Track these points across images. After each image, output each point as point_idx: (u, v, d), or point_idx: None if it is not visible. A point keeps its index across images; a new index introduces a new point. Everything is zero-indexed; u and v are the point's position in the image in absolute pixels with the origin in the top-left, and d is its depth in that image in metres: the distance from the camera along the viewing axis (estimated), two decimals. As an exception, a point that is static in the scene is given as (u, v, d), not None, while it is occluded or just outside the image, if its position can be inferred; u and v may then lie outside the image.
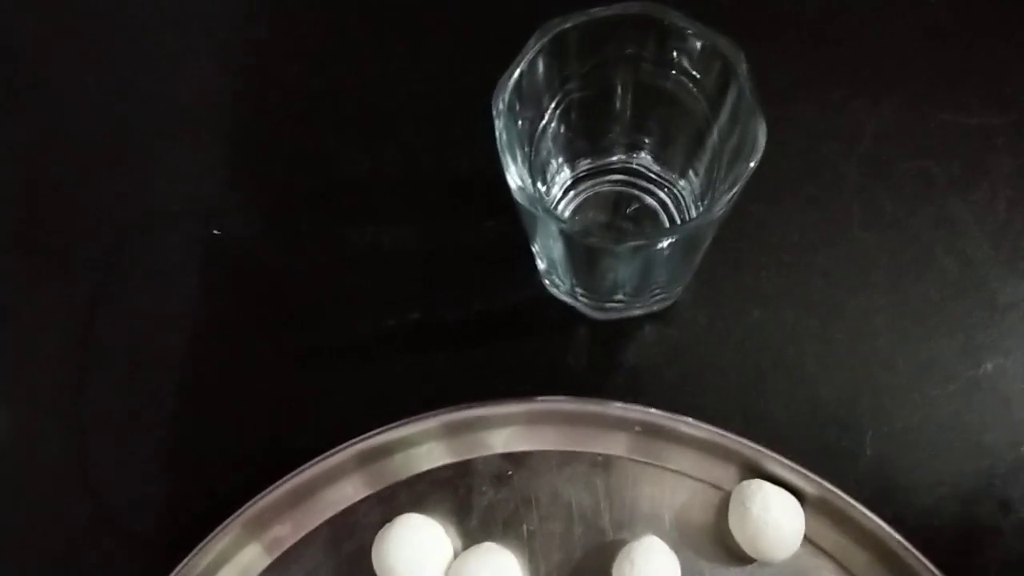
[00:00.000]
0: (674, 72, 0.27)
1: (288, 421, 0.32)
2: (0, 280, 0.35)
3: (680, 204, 0.31)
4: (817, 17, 0.36)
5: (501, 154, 0.24)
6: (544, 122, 0.28)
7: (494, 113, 0.24)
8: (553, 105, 0.28)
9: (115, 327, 0.34)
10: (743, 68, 0.24)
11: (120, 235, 0.35)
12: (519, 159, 0.25)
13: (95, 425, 0.33)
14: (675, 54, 0.27)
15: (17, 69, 0.39)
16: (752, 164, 0.24)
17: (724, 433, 0.28)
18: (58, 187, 0.36)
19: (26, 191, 0.36)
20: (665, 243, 0.24)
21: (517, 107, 0.25)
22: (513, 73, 0.24)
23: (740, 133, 0.25)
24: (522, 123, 0.26)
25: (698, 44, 0.25)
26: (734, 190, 0.23)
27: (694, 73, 0.27)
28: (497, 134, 0.24)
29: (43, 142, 0.37)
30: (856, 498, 0.27)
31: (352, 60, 0.37)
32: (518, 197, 0.24)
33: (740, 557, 0.28)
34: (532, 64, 0.25)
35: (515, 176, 0.24)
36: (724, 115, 0.26)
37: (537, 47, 0.24)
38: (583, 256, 0.26)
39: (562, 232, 0.24)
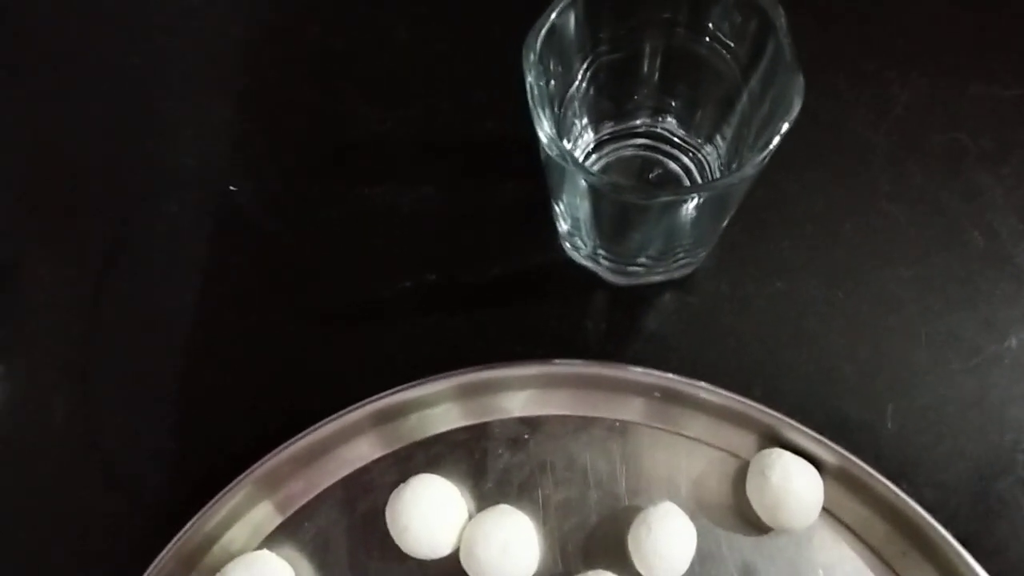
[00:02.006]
0: (708, 39, 0.27)
1: (303, 381, 0.32)
2: (11, 239, 0.35)
3: (704, 170, 0.31)
4: (850, -14, 0.36)
5: (532, 107, 0.23)
6: (575, 84, 0.28)
7: (525, 66, 0.24)
8: (584, 67, 0.28)
9: (128, 286, 0.34)
10: (782, 22, 0.23)
11: (134, 194, 0.35)
12: (548, 114, 0.24)
13: (106, 383, 0.32)
14: (711, 21, 0.26)
15: (32, 27, 0.38)
16: (786, 124, 0.23)
17: (744, 400, 0.28)
18: (71, 145, 0.36)
19: (39, 149, 0.36)
20: (693, 202, 0.24)
21: (548, 63, 0.25)
22: (545, 24, 0.24)
23: (773, 96, 0.25)
24: (553, 82, 0.26)
25: (735, 3, 0.25)
26: (769, 148, 0.23)
27: (728, 41, 0.26)
28: (528, 87, 0.24)
29: (57, 100, 0.37)
30: (876, 470, 0.27)
31: (374, 20, 0.37)
32: (548, 150, 0.23)
33: (757, 526, 0.28)
34: (564, 17, 0.25)
35: (546, 128, 0.23)
36: (756, 80, 0.26)
37: (569, -2, 0.24)
38: (610, 214, 0.26)
39: (591, 187, 0.24)
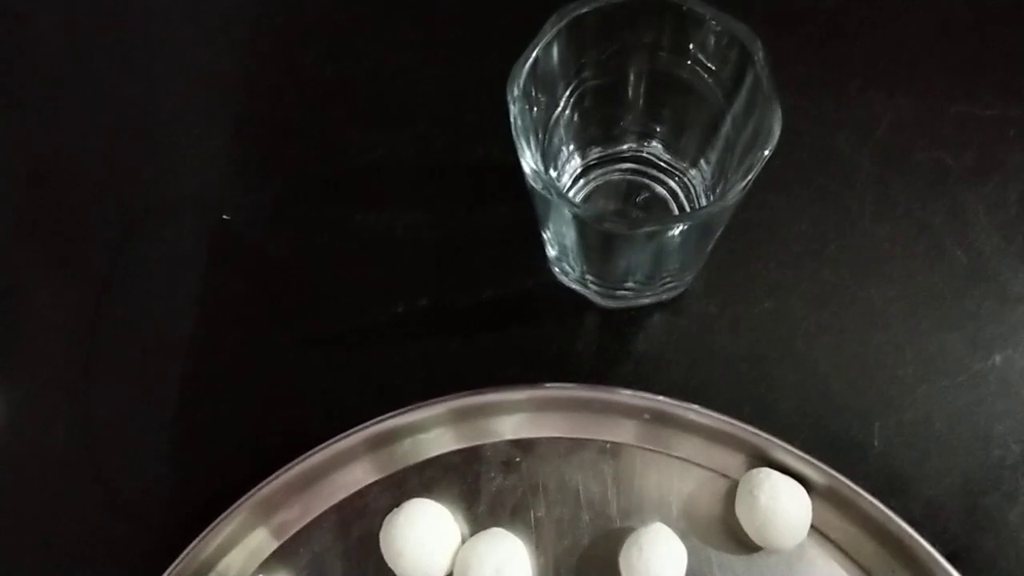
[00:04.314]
0: (690, 62, 0.27)
1: (297, 406, 0.32)
2: (10, 264, 0.35)
3: (690, 193, 0.31)
4: (834, 7, 0.36)
5: (516, 139, 0.24)
6: (559, 110, 0.28)
7: (509, 98, 0.24)
8: (568, 92, 0.28)
9: (124, 311, 0.34)
10: (760, 55, 0.24)
11: (131, 220, 0.35)
12: (533, 145, 0.24)
13: (103, 409, 0.33)
14: (692, 45, 0.26)
15: (31, 54, 0.39)
16: (767, 152, 0.23)
17: (732, 421, 0.28)
18: (69, 171, 0.36)
19: (37, 175, 0.36)
20: (678, 229, 0.24)
21: (532, 92, 0.25)
22: (529, 57, 0.24)
23: (755, 122, 0.25)
24: (537, 110, 0.26)
25: (715, 32, 0.25)
26: (748, 177, 0.23)
27: (710, 65, 0.27)
28: (512, 119, 0.24)
29: (56, 127, 0.37)
30: (864, 488, 0.27)
31: (367, 47, 0.37)
32: (532, 182, 0.24)
33: (747, 545, 0.29)
34: (548, 49, 0.25)
35: (529, 160, 0.24)
36: (739, 105, 0.26)
37: (554, 31, 0.24)
38: (596, 242, 0.26)
39: (576, 217, 0.24)
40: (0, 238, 0.36)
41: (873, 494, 0.27)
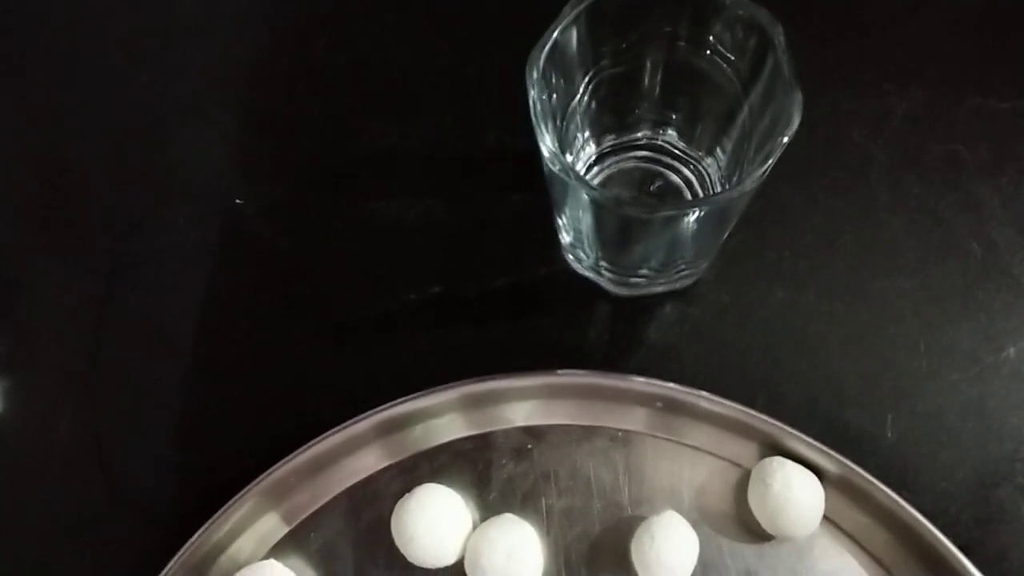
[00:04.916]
0: (709, 52, 0.27)
1: (308, 394, 0.32)
2: (19, 254, 0.35)
3: (705, 182, 0.31)
4: (849, 0, 0.36)
5: (535, 122, 0.24)
6: (577, 97, 0.28)
7: (528, 82, 0.24)
8: (587, 80, 0.28)
9: (134, 299, 0.34)
10: (780, 40, 0.24)
11: (141, 208, 0.35)
12: (551, 129, 0.24)
13: (110, 398, 0.33)
14: (711, 36, 0.26)
15: (41, 44, 0.39)
16: (786, 138, 0.23)
17: (745, 410, 0.28)
18: (79, 161, 0.36)
19: (46, 165, 0.36)
20: (695, 215, 0.24)
21: (552, 78, 0.25)
22: (548, 41, 0.24)
23: (773, 110, 0.25)
24: (556, 96, 0.26)
25: (735, 18, 0.25)
26: (768, 163, 0.23)
27: (729, 55, 0.27)
28: (531, 102, 0.24)
29: (66, 116, 0.37)
30: (877, 478, 0.27)
31: (379, 36, 0.37)
32: (551, 165, 0.24)
33: (759, 534, 0.28)
34: (566, 34, 0.25)
35: (548, 143, 0.23)
36: (756, 94, 0.26)
37: (572, 15, 0.24)
38: (612, 227, 0.26)
39: (594, 201, 0.24)
40: (9, 228, 0.36)
41: (886, 484, 0.27)
